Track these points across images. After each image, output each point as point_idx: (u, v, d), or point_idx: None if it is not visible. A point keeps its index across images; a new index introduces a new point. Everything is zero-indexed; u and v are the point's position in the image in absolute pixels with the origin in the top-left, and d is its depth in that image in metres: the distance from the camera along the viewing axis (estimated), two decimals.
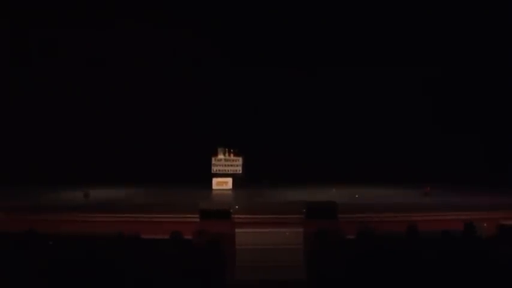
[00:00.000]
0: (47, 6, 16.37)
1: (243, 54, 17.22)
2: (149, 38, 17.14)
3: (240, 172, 16.37)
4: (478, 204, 11.58)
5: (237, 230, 9.39)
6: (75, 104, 17.34)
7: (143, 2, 16.72)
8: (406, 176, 15.82)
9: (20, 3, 16.45)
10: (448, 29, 16.89)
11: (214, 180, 16.22)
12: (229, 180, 16.22)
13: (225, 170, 16.38)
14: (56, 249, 5.65)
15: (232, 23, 17.08)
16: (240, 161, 16.41)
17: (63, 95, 17.40)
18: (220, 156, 16.43)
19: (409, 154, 16.90)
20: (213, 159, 16.38)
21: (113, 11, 16.61)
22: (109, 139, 17.25)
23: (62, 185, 15.81)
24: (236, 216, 10.31)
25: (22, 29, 16.97)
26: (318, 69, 17.45)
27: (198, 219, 10.01)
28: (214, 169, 16.37)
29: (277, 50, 17.34)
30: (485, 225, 7.97)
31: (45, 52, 17.33)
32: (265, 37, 17.25)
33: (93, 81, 17.32)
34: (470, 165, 15.90)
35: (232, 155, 16.45)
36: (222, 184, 16.15)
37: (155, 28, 16.97)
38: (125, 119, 17.43)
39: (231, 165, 16.40)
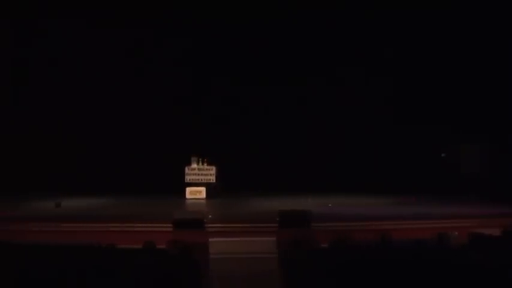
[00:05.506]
0: None
1: (220, 63, 17.27)
2: (123, 46, 17.07)
3: (214, 181, 16.33)
4: (450, 214, 11.79)
5: (210, 240, 9.38)
6: (47, 113, 17.10)
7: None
8: (380, 186, 15.99)
9: None
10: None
11: (188, 190, 16.14)
12: (203, 189, 16.16)
13: (199, 180, 16.32)
14: (28, 259, 5.55)
15: (217, 34, 17.15)
16: (213, 170, 16.37)
17: (37, 104, 17.18)
18: (194, 166, 16.37)
19: (383, 165, 17.06)
20: (186, 168, 16.31)
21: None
22: (81, 148, 17.06)
23: (32, 194, 15.54)
24: (210, 225, 10.32)
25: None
26: (292, 78, 17.46)
27: (171, 229, 10.01)
28: (187, 178, 16.30)
29: (251, 60, 17.38)
30: (456, 233, 8.12)
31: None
32: (240, 48, 17.28)
33: (67, 90, 17.11)
34: (441, 176, 16.17)
35: (205, 164, 16.40)
36: (195, 193, 16.09)
37: (130, 35, 16.92)
38: (97, 128, 17.20)
39: (205, 175, 16.35)
